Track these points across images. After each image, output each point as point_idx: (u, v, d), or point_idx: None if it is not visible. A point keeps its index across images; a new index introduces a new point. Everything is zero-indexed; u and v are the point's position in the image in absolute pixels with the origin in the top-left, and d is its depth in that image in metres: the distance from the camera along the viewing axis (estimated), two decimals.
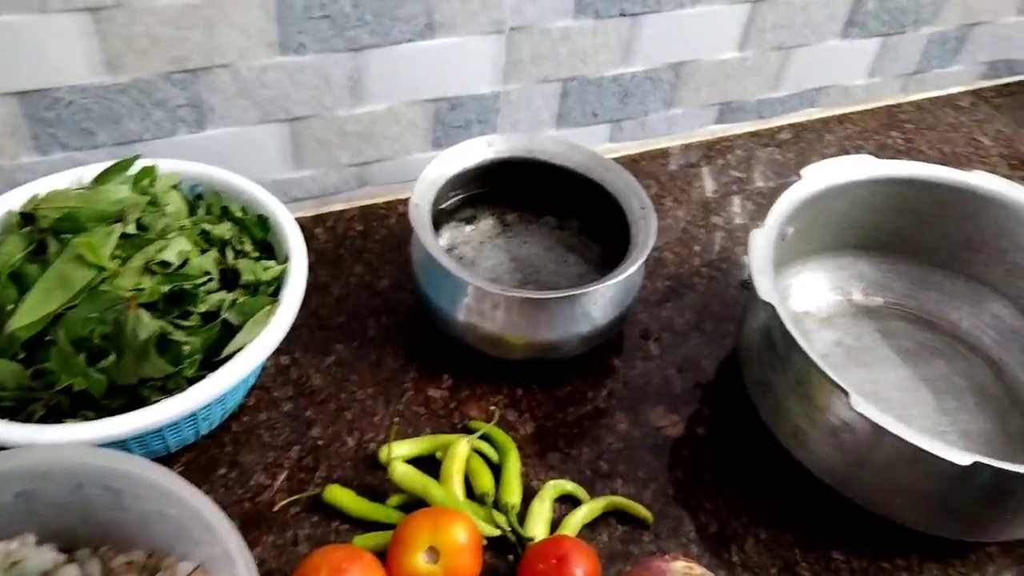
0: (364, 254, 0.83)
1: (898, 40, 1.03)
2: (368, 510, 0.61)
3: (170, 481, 0.48)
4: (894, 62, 1.06)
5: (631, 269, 0.68)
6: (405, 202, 0.87)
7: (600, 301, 0.69)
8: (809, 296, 0.80)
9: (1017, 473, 0.54)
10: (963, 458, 0.53)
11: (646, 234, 0.70)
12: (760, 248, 0.66)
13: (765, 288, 0.62)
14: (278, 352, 0.71)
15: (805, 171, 0.74)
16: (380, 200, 0.88)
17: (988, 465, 0.53)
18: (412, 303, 0.78)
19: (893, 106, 1.11)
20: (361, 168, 0.86)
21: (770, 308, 0.61)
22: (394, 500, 0.62)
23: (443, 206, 0.80)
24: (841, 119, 1.08)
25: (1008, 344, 0.77)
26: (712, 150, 1.01)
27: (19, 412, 0.53)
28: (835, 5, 0.94)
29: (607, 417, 0.71)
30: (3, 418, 0.52)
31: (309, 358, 0.72)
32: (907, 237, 0.80)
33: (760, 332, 0.67)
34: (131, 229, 0.58)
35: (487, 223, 0.81)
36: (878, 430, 0.56)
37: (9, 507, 0.49)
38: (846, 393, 0.56)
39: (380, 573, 0.54)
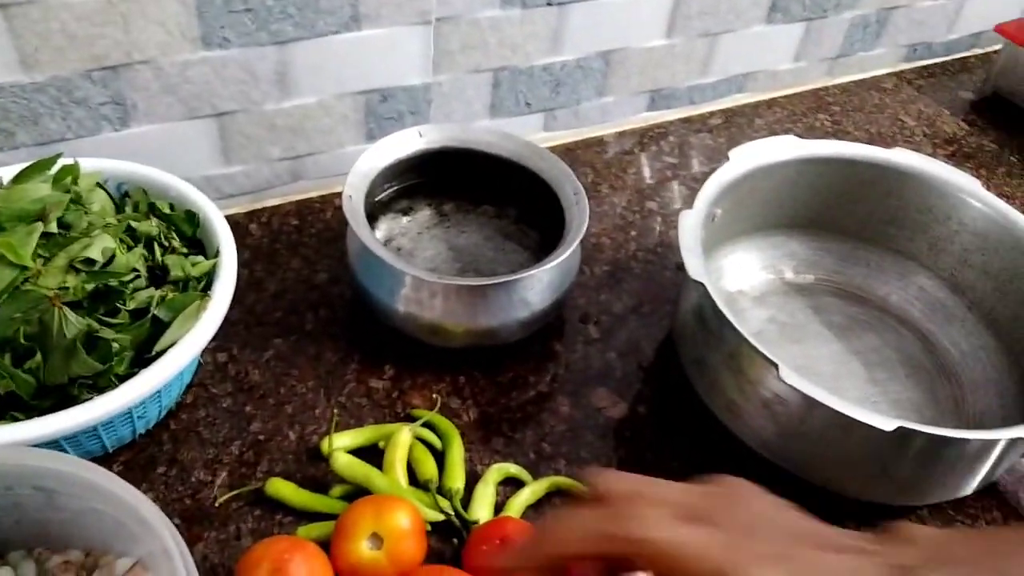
0: (300, 248, 0.82)
1: (821, 24, 1.06)
2: (311, 501, 0.61)
3: (103, 478, 0.47)
4: (818, 46, 1.09)
5: (565, 253, 0.68)
6: (340, 195, 0.86)
7: (537, 286, 0.70)
8: (741, 275, 0.82)
9: (940, 436, 0.56)
10: (888, 424, 0.55)
11: (580, 219, 0.71)
12: (689, 229, 0.67)
13: (695, 268, 0.64)
14: (215, 349, 0.71)
15: (732, 153, 0.76)
16: (315, 194, 0.88)
17: (912, 430, 0.56)
18: (350, 296, 0.78)
19: (820, 89, 1.14)
20: (294, 162, 0.85)
21: (701, 287, 0.63)
22: (337, 491, 0.61)
23: (378, 198, 0.80)
24: (770, 103, 1.10)
25: (934, 316, 0.80)
26: (646, 137, 1.02)
27: None
28: None
29: (550, 401, 0.72)
30: None
31: (247, 354, 0.72)
32: (834, 215, 0.82)
33: (693, 312, 0.69)
34: (53, 228, 0.57)
35: (424, 214, 0.82)
36: (808, 401, 0.58)
37: None
38: (776, 366, 0.58)
39: (323, 562, 0.54)
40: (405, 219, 0.81)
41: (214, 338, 0.68)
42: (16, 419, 0.52)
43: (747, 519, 0.38)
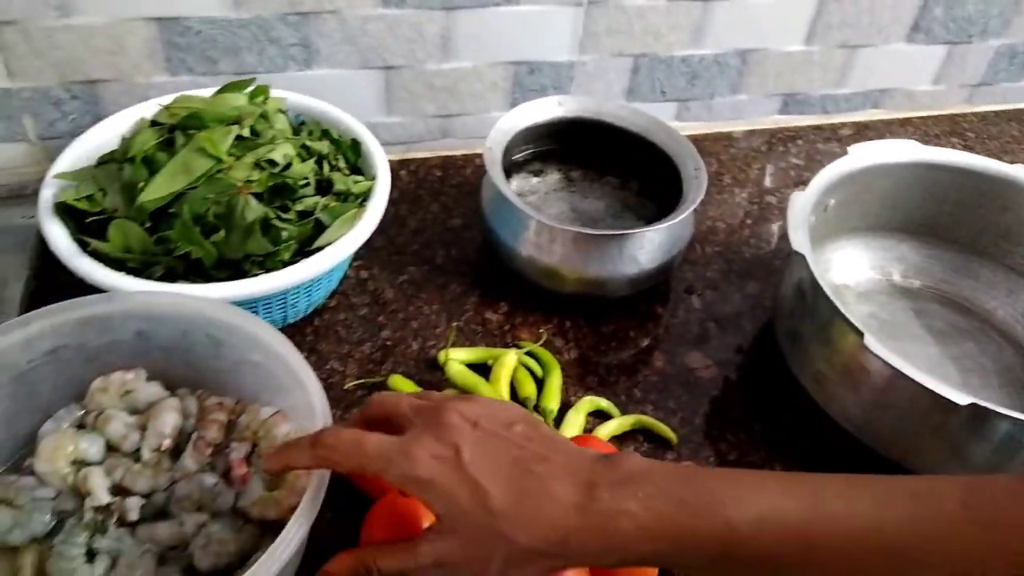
0: (440, 196, 0.92)
1: (965, 49, 1.07)
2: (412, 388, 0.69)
3: (266, 333, 0.57)
4: (960, 71, 1.10)
5: (678, 218, 0.75)
6: (480, 156, 0.96)
7: (648, 246, 0.76)
8: (849, 271, 0.86)
9: (1013, 418, 0.59)
10: (962, 398, 0.59)
11: (697, 191, 0.77)
12: (798, 208, 0.72)
13: (798, 240, 0.69)
14: (359, 266, 0.81)
15: (852, 148, 0.80)
16: (458, 152, 0.97)
17: (985, 408, 0.59)
18: (479, 241, 0.87)
19: (957, 115, 1.15)
20: (444, 120, 0.95)
21: (801, 259, 0.68)
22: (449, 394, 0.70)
23: (514, 157, 0.88)
24: (903, 122, 1.13)
25: None
26: (774, 139, 1.07)
27: (142, 272, 0.63)
28: (901, 8, 1.00)
29: (646, 355, 0.78)
30: (129, 275, 0.62)
31: (385, 275, 0.81)
32: (948, 223, 0.85)
33: (793, 286, 0.74)
34: (245, 132, 0.68)
35: (553, 177, 0.90)
36: (889, 371, 0.61)
37: (128, 343, 0.59)
38: (861, 334, 0.62)
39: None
40: (535, 179, 0.89)
41: (358, 257, 0.79)
42: (196, 282, 0.63)
43: (446, 429, 0.44)
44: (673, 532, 0.42)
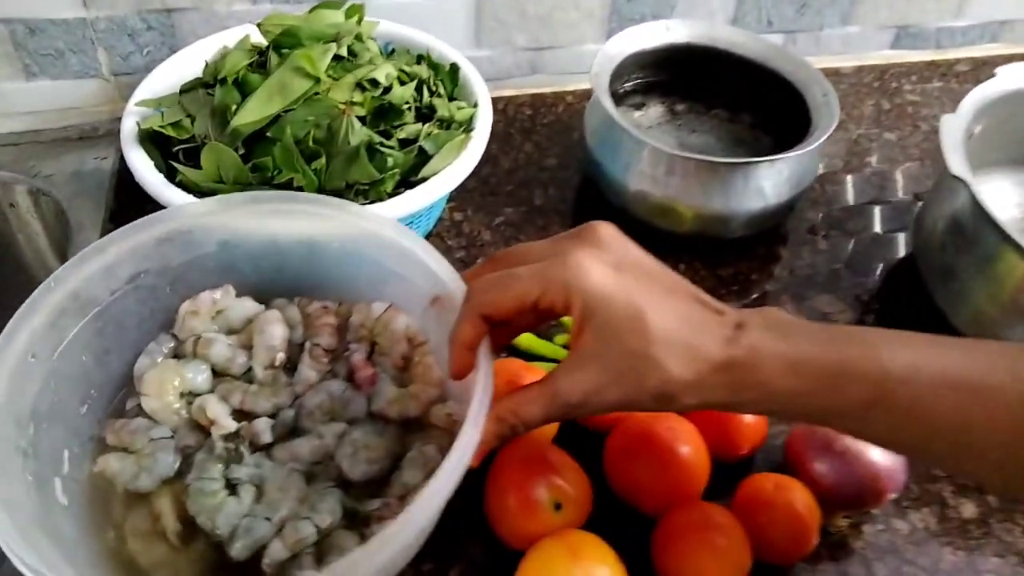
0: (532, 135, 0.86)
1: None
2: (536, 344, 0.64)
3: (369, 219, 0.52)
4: None
5: (811, 146, 0.69)
6: (572, 93, 0.91)
7: (775, 178, 0.70)
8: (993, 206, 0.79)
9: None
10: None
11: (829, 118, 0.71)
12: (951, 131, 0.66)
13: (957, 165, 0.62)
14: (452, 208, 0.76)
15: (1000, 70, 0.73)
16: (548, 90, 0.92)
17: None
18: (577, 182, 0.81)
19: None
20: (535, 53, 0.89)
21: (961, 185, 0.61)
22: (560, 339, 0.65)
23: (614, 89, 0.82)
24: None
25: None
26: (885, 75, 1.00)
27: None
28: None
29: (770, 300, 0.72)
30: None
31: (480, 217, 0.76)
32: None
33: (946, 217, 0.67)
34: (343, 51, 0.63)
35: (656, 110, 0.84)
36: None
37: (212, 258, 0.54)
38: None
39: None
40: (637, 113, 0.83)
41: (452, 199, 0.74)
42: None
43: (597, 241, 0.42)
44: (823, 371, 0.39)
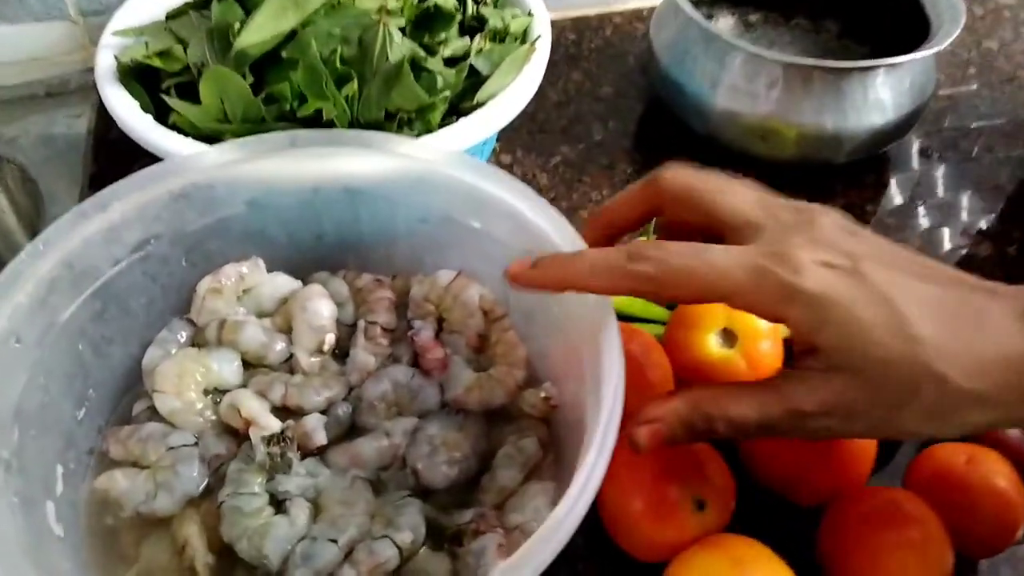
0: (580, 62, 0.76)
1: None
2: (626, 303, 0.53)
3: (443, 163, 0.42)
4: None
5: (940, 45, 0.58)
6: (619, 14, 0.81)
7: (897, 87, 0.60)
8: None
9: None
10: None
11: (952, 11, 0.60)
12: None
13: None
14: (499, 151, 0.66)
15: None
16: (591, 11, 0.81)
17: None
18: (641, 111, 0.71)
19: None
20: None
21: None
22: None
23: None
24: None
25: None
26: None
27: None
28: None
29: (891, 234, 0.61)
30: None
31: (532, 159, 0.66)
32: None
33: None
34: None
35: (725, 23, 0.73)
36: None
37: (238, 221, 0.44)
38: None
39: (660, 353, 0.47)
40: None
41: (496, 138, 0.63)
42: None
43: (820, 234, 0.33)
44: None
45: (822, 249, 0.32)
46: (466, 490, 0.41)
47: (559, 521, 0.30)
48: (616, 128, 0.69)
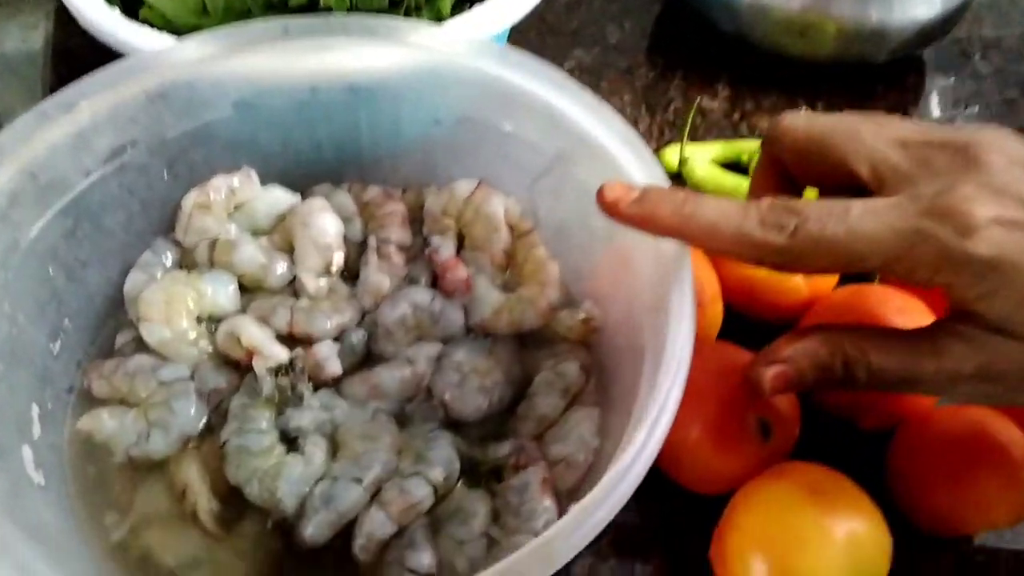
0: None
1: None
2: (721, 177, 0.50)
3: (465, 53, 0.37)
4: None
5: None
6: None
7: None
8: None
9: None
10: None
11: None
12: None
13: None
14: None
15: None
16: None
17: None
18: (659, 10, 0.66)
19: None
20: None
21: None
22: None
23: None
24: None
25: None
26: None
27: None
28: None
29: None
30: None
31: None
32: None
33: None
34: None
35: None
36: None
37: (224, 126, 0.39)
38: None
39: (708, 267, 0.43)
40: None
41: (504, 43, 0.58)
42: None
43: (989, 171, 0.27)
44: None
45: (994, 199, 0.27)
46: (499, 421, 0.37)
47: (637, 451, 0.26)
48: (632, 29, 0.64)
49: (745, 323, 0.44)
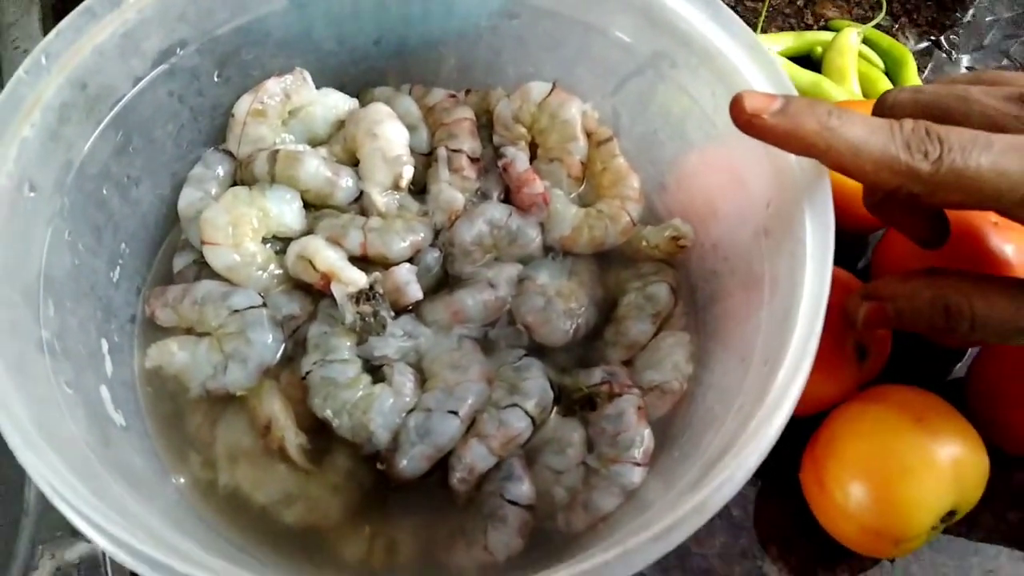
0: None
1: None
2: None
3: None
4: None
5: None
6: None
7: None
8: None
9: None
10: None
11: None
12: None
13: None
14: None
15: None
16: None
17: None
18: None
19: None
20: None
21: None
22: None
23: None
24: None
25: None
26: None
27: None
28: None
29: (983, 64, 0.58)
30: None
31: None
32: None
33: None
34: None
35: None
36: None
37: (277, 22, 0.38)
38: None
39: None
40: None
41: None
42: None
43: None
44: None
45: None
46: (585, 346, 0.38)
47: (782, 393, 0.26)
48: None
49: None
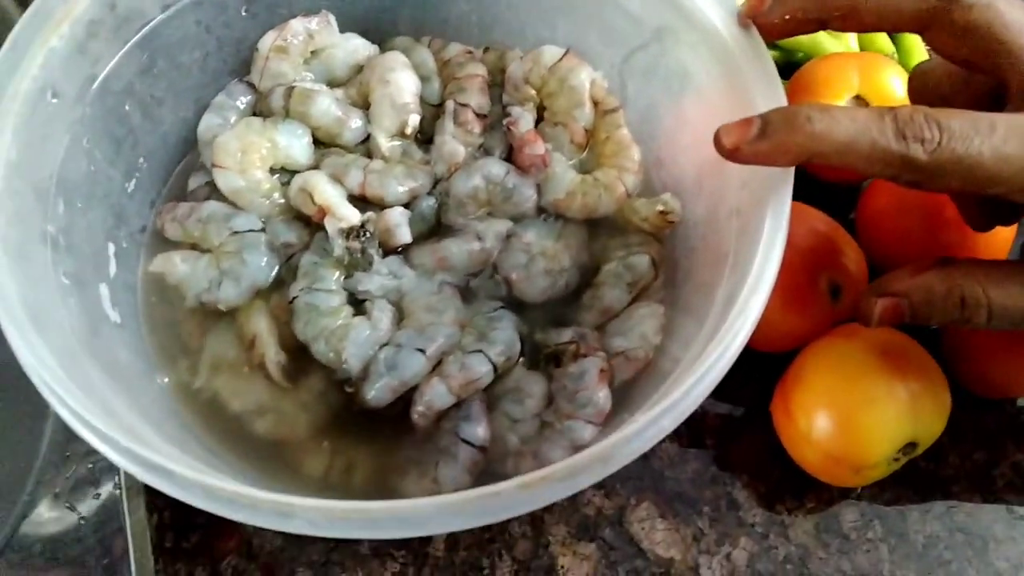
0: None
1: None
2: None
3: None
4: None
5: None
6: None
7: None
8: None
9: None
10: None
11: None
12: None
13: None
14: None
15: None
16: None
17: None
18: None
19: None
20: None
21: None
22: None
23: None
24: None
25: None
26: None
27: None
28: None
29: None
30: None
31: None
32: None
33: None
34: None
35: None
36: None
37: None
38: None
39: None
40: None
41: None
42: None
43: None
44: None
45: None
46: (563, 306, 0.41)
47: (706, 369, 0.30)
48: None
49: (816, 184, 0.46)
